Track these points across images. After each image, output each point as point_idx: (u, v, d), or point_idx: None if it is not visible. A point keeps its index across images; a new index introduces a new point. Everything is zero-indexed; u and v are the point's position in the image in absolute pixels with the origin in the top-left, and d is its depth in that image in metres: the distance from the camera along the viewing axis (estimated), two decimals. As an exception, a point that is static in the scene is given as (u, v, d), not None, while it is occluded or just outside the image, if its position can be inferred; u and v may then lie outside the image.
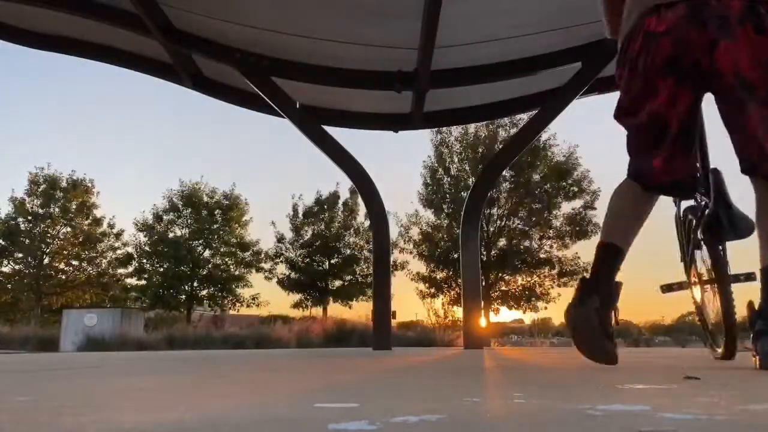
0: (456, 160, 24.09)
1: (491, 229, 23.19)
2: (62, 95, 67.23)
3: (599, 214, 23.04)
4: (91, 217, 27.62)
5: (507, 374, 2.20)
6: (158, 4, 6.65)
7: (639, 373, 2.10)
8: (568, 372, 2.31)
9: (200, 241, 27.19)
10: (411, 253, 23.88)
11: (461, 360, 3.86)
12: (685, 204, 2.96)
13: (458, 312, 21.96)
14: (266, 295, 35.91)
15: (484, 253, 21.97)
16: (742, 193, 2.42)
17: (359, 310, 26.46)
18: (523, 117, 15.02)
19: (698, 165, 2.46)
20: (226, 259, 27.56)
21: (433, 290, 24.22)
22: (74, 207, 27.03)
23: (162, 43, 7.20)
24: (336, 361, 3.74)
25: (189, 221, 27.36)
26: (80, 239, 26.98)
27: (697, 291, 2.99)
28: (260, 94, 7.80)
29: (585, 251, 22.93)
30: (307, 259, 26.59)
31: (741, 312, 2.61)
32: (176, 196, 27.41)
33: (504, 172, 19.20)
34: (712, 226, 2.51)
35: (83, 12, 6.72)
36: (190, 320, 25.34)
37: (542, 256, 22.79)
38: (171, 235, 27.06)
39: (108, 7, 6.74)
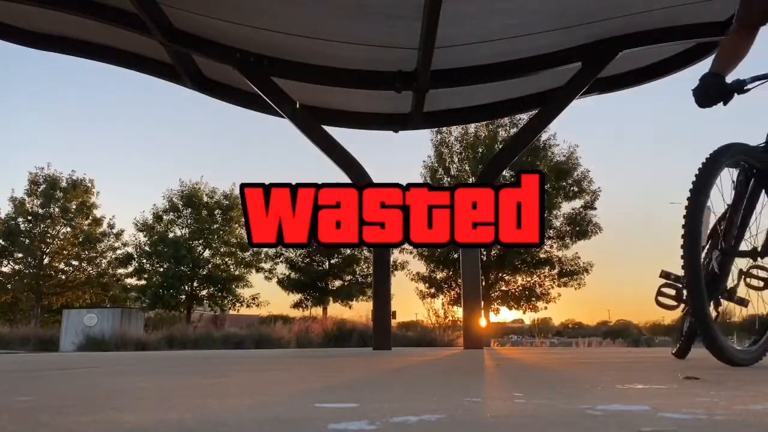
0: (456, 160, 24.10)
1: (491, 229, 23.13)
2: (62, 95, 67.20)
3: (599, 214, 23.08)
4: (91, 217, 27.60)
5: (507, 374, 2.20)
6: (158, 4, 6.64)
7: (639, 373, 2.10)
8: (567, 372, 2.31)
9: (200, 241, 27.19)
10: (411, 253, 23.89)
11: (461, 360, 3.86)
12: None
13: (458, 312, 21.97)
14: (266, 295, 35.86)
15: (484, 253, 21.97)
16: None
17: (359, 310, 26.48)
18: (523, 117, 15.02)
19: None
20: (226, 259, 27.55)
21: (433, 290, 24.24)
22: (74, 207, 27.02)
23: (162, 43, 7.19)
24: (336, 361, 3.74)
25: (189, 221, 27.37)
26: (80, 239, 26.97)
27: None
28: (260, 94, 7.80)
29: (585, 251, 22.93)
30: (307, 259, 26.59)
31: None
32: (176, 196, 27.43)
33: (504, 172, 19.21)
34: None
35: (83, 12, 6.71)
36: (190, 320, 25.33)
37: (542, 256, 22.78)
38: (171, 235, 27.07)
39: (108, 7, 6.73)
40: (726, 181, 2.47)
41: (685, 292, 2.41)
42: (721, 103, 2.50)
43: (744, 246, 2.49)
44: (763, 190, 2.47)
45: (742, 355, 2.38)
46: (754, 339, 2.55)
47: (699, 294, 2.17)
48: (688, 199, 2.24)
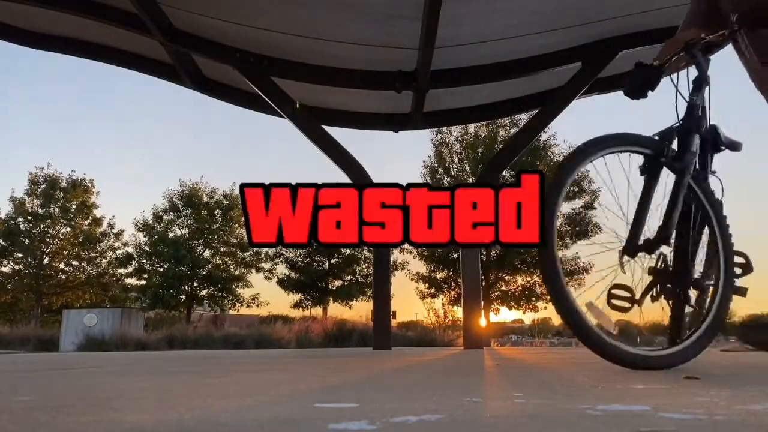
0: (456, 160, 24.11)
1: (491, 229, 23.17)
2: (62, 95, 67.28)
3: (599, 214, 23.08)
4: (91, 217, 27.62)
5: (507, 374, 2.20)
6: (158, 4, 6.64)
7: (639, 373, 2.10)
8: (567, 372, 2.31)
9: (200, 241, 27.20)
10: (411, 253, 23.90)
11: (461, 360, 3.86)
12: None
13: (458, 312, 21.98)
14: (266, 295, 35.99)
15: (484, 253, 21.97)
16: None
17: (359, 310, 26.51)
18: (523, 117, 15.02)
19: None
20: (226, 259, 27.57)
21: (433, 290, 24.25)
22: (74, 207, 27.03)
23: (162, 43, 7.19)
24: (336, 361, 3.74)
25: (189, 221, 27.38)
26: (80, 239, 26.98)
27: None
28: (260, 94, 7.80)
29: (585, 251, 22.94)
30: (307, 259, 26.61)
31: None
32: (176, 196, 27.44)
33: (504, 172, 19.20)
34: None
35: (83, 12, 6.71)
36: (190, 320, 25.33)
37: (542, 256, 22.76)
38: (171, 235, 27.08)
39: (108, 7, 6.74)
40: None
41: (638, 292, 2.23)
42: (650, 91, 2.44)
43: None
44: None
45: (649, 355, 2.13)
46: (679, 337, 2.30)
47: (557, 294, 2.03)
48: (544, 195, 2.12)
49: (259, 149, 65.75)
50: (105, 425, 0.89)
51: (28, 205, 26.47)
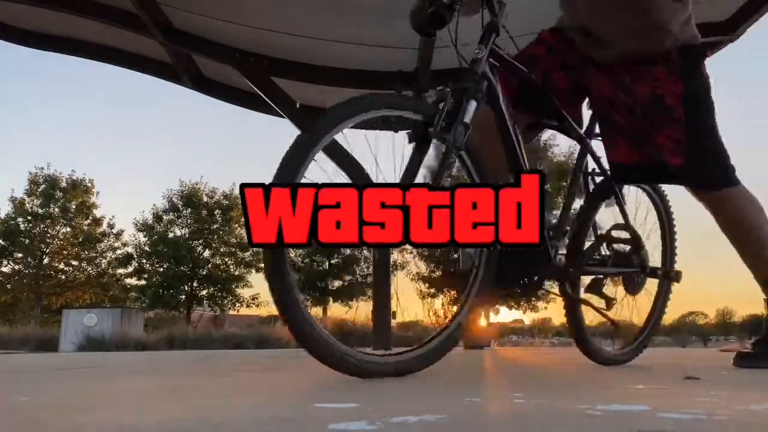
0: (456, 160, 24.13)
1: (491, 229, 23.19)
2: (62, 95, 67.34)
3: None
4: (90, 217, 27.63)
5: (507, 374, 2.20)
6: (158, 4, 6.64)
7: (639, 373, 2.10)
8: (567, 372, 2.31)
9: (200, 241, 27.21)
10: (411, 253, 23.91)
11: (461, 360, 3.86)
12: None
13: (458, 312, 21.95)
14: (266, 295, 35.87)
15: (484, 253, 21.92)
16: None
17: (359, 310, 26.51)
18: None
19: None
20: (226, 259, 27.59)
21: (433, 290, 24.25)
22: (74, 207, 27.04)
23: (162, 43, 7.19)
24: (336, 361, 3.73)
25: (189, 221, 27.39)
26: (80, 239, 26.99)
27: None
28: (260, 94, 7.80)
29: (585, 251, 22.96)
30: (307, 259, 26.62)
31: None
32: (176, 196, 27.45)
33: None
34: None
35: (83, 12, 6.71)
36: (190, 320, 25.34)
37: (542, 256, 22.79)
38: (171, 235, 27.09)
39: (108, 7, 6.73)
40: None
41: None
42: (437, 29, 2.08)
43: None
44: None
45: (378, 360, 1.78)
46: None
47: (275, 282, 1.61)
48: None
49: (259, 149, 65.69)
50: (105, 425, 0.89)
51: (27, 205, 26.48)
